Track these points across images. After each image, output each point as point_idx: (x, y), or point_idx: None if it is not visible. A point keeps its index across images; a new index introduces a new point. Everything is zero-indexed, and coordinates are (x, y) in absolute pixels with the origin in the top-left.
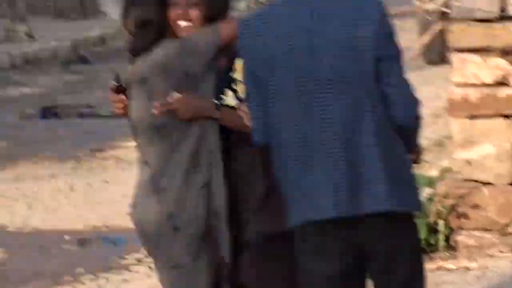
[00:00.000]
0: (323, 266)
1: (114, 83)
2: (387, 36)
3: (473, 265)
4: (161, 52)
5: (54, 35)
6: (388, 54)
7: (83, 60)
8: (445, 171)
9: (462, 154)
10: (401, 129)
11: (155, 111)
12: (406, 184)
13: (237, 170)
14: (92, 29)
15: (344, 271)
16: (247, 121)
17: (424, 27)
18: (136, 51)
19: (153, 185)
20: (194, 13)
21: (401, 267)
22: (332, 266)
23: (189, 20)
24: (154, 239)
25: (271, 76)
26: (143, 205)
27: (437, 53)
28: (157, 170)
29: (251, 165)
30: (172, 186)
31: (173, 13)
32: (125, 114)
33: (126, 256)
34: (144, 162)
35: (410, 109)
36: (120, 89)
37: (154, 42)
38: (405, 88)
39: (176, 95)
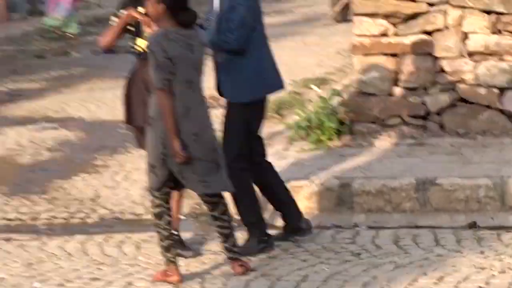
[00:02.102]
0: None
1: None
2: None
3: (364, 143)
4: None
5: (113, 3)
6: None
7: None
8: (347, 86)
9: (359, 77)
10: None
11: None
12: None
13: None
14: None
15: None
16: None
17: (335, 0)
18: None
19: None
20: None
21: None
22: None
23: None
24: None
25: None
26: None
27: (342, 16)
28: None
29: None
30: None
31: None
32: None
33: None
34: None
35: None
36: None
37: None
38: None
39: None
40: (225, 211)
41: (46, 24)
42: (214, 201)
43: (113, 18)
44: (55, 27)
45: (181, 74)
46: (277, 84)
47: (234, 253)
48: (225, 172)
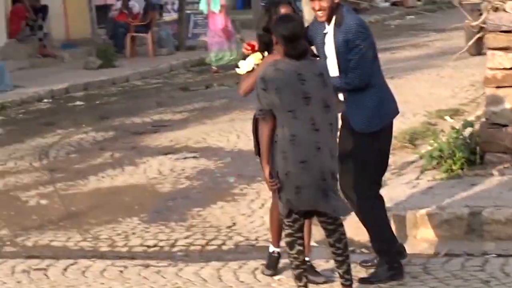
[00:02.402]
0: None
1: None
2: None
3: (495, 173)
4: None
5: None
6: None
7: None
8: (480, 117)
9: (491, 108)
10: None
11: None
12: None
13: None
14: None
15: None
16: None
17: (469, 35)
18: None
19: None
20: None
21: None
22: None
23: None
24: None
25: None
26: None
27: (476, 49)
28: None
29: None
30: None
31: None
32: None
33: None
34: None
35: None
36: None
37: None
38: None
39: None
40: (341, 239)
41: (212, 60)
42: (331, 228)
43: (240, 63)
44: (225, 61)
45: (285, 103)
46: (396, 110)
47: (346, 280)
48: (334, 199)
